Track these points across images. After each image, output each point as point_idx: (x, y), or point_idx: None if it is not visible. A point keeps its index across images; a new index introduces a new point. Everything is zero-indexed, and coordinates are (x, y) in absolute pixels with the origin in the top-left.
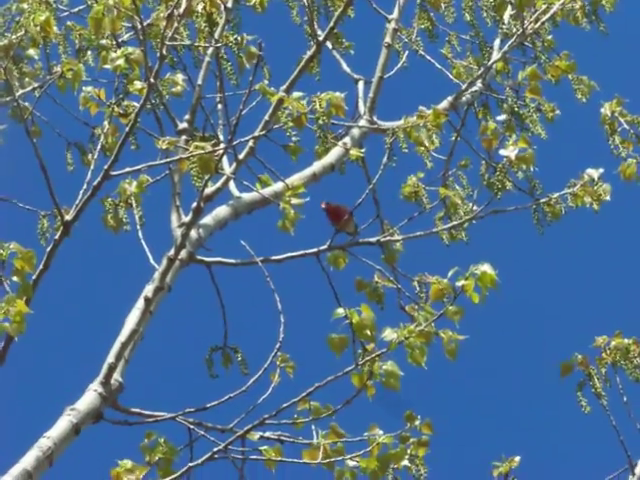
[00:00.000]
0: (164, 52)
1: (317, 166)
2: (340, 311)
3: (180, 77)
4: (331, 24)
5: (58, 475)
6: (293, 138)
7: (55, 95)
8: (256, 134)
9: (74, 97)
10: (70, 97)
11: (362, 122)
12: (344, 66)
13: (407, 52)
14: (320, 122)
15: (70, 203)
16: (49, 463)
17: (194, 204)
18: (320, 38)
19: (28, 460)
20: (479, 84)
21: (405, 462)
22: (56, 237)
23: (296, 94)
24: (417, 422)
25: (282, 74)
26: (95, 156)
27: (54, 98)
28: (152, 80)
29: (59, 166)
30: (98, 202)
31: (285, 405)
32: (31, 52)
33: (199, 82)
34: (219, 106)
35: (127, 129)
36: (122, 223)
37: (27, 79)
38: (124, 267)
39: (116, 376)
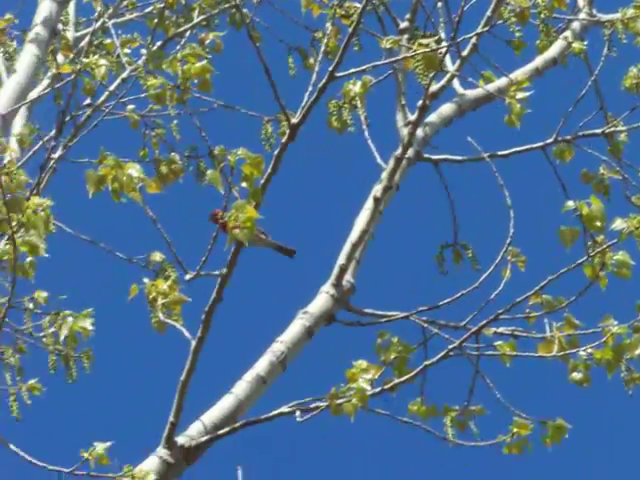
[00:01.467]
0: None
1: (539, 60)
2: (570, 203)
3: None
4: None
5: (291, 379)
6: (516, 33)
7: (274, 1)
8: (479, 31)
9: (293, 2)
10: (289, 2)
11: (582, 15)
12: None
13: None
14: (542, 16)
15: (292, 107)
16: (282, 367)
17: (419, 102)
18: None
19: (262, 365)
20: None
21: (639, 351)
22: (283, 141)
23: None
24: None
25: None
26: (319, 58)
27: (273, 4)
28: None
29: (280, 72)
30: (321, 105)
31: (518, 300)
32: None
33: None
34: (439, 4)
35: (350, 30)
36: (346, 124)
37: None
38: (351, 168)
39: (347, 277)
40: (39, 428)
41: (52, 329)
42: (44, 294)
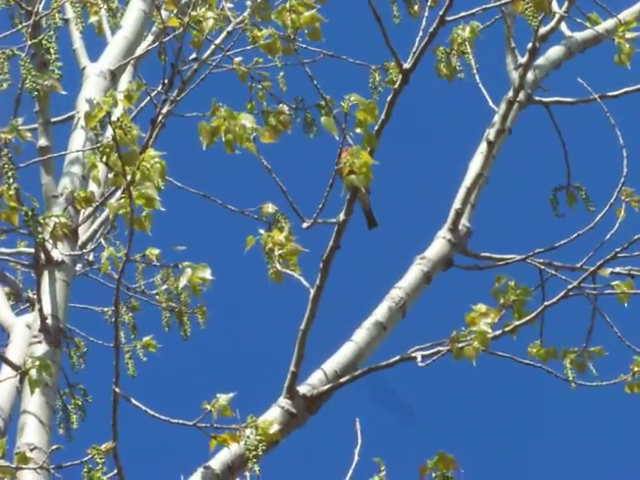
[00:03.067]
0: None
1: None
2: None
3: None
4: None
5: (411, 324)
6: None
7: None
8: None
9: None
10: None
11: None
12: None
13: None
14: None
15: (399, 55)
16: (402, 313)
17: (529, 45)
18: None
19: (381, 311)
20: None
21: None
22: (396, 86)
23: None
24: None
25: None
26: (429, 3)
27: None
28: None
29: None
30: (430, 51)
31: (636, 238)
32: None
33: None
34: None
35: None
36: (455, 70)
37: None
38: (463, 112)
39: (464, 221)
40: (157, 385)
41: (165, 285)
42: (156, 251)
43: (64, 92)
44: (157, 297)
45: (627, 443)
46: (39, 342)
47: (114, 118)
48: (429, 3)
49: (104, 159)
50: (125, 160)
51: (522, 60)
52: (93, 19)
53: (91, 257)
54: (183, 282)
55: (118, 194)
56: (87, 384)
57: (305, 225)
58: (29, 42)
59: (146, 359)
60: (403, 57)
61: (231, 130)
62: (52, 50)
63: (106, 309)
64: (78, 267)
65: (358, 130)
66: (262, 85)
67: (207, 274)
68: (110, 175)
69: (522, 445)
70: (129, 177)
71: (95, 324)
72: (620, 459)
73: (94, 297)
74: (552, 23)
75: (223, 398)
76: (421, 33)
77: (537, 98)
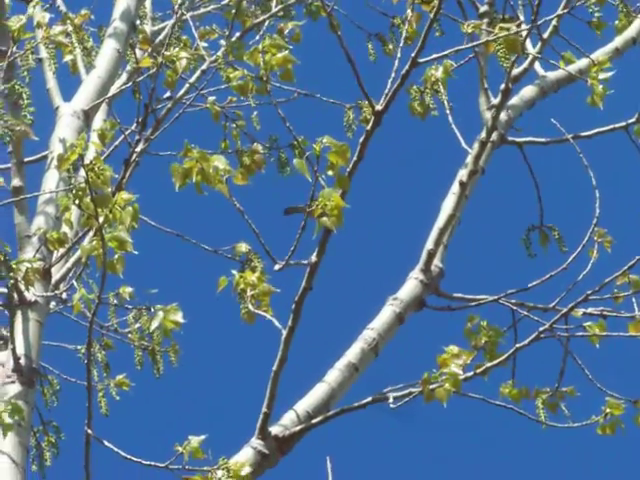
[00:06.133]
0: None
1: (619, 41)
2: None
3: None
4: None
5: (383, 365)
6: (596, 14)
7: None
8: (560, 12)
9: None
10: None
11: None
12: None
13: None
14: None
15: (372, 94)
16: (374, 354)
17: (502, 85)
18: None
19: (353, 352)
20: None
21: None
22: (368, 127)
23: None
24: None
25: None
26: (401, 44)
27: None
28: None
29: (358, 59)
30: (402, 91)
31: (608, 280)
32: None
33: None
34: None
35: (432, 15)
36: (429, 109)
37: None
38: (436, 153)
39: (436, 262)
40: (129, 424)
41: (138, 324)
42: (129, 289)
43: (36, 137)
44: (130, 335)
45: None
46: (12, 382)
47: (87, 160)
48: (402, 43)
49: (77, 202)
50: (98, 203)
51: (495, 101)
52: (68, 58)
53: (64, 295)
54: (155, 324)
55: (91, 234)
56: (60, 421)
57: (277, 267)
58: (1, 85)
59: (119, 398)
60: (377, 95)
61: (204, 172)
62: (24, 95)
63: (79, 347)
64: (51, 305)
65: (330, 172)
66: (236, 124)
67: (179, 317)
68: (83, 215)
69: None
70: (101, 219)
71: (68, 361)
72: None
73: (67, 334)
74: (525, 64)
75: (195, 440)
76: (393, 74)
77: (510, 138)
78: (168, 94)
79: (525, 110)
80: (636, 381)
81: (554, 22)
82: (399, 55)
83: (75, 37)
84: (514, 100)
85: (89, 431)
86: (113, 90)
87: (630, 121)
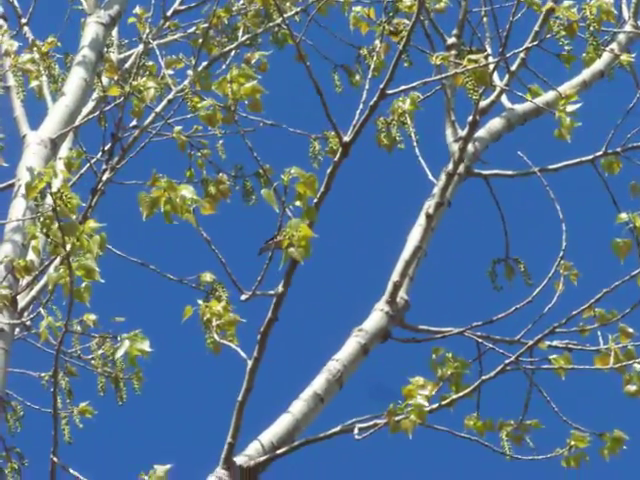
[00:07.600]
0: None
1: (587, 73)
2: (623, 216)
3: None
4: None
5: (348, 396)
6: (566, 47)
7: (318, 19)
8: (528, 45)
9: (337, 19)
10: (332, 20)
11: (627, 27)
12: None
13: None
14: (591, 29)
15: (338, 125)
16: (339, 385)
17: (470, 118)
18: None
19: (318, 383)
20: None
21: None
22: (335, 159)
23: (566, 2)
24: None
25: None
26: (369, 75)
27: (317, 22)
28: None
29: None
30: (369, 122)
31: (574, 313)
32: None
33: None
34: (485, 19)
35: (400, 47)
36: (395, 141)
37: (288, 4)
38: (402, 184)
39: (402, 294)
40: (93, 452)
41: (100, 351)
42: (93, 317)
43: (5, 164)
44: (93, 362)
45: None
46: None
47: (54, 188)
48: (370, 75)
49: (44, 230)
50: (65, 231)
51: (462, 133)
52: (34, 83)
53: (29, 322)
54: (121, 352)
55: (57, 262)
56: (23, 448)
57: (244, 297)
58: None
59: (82, 425)
60: (344, 126)
61: (171, 201)
62: None
63: (43, 374)
64: (16, 331)
65: (298, 203)
66: (201, 153)
67: (146, 346)
68: (50, 243)
69: None
70: (68, 247)
71: (31, 388)
72: None
73: (31, 361)
74: (493, 96)
75: (160, 469)
76: (362, 105)
77: (476, 170)
78: (134, 123)
79: (492, 142)
80: (601, 414)
81: (522, 55)
82: (367, 86)
83: (42, 64)
84: (481, 132)
85: (54, 459)
86: (80, 118)
87: (597, 154)
